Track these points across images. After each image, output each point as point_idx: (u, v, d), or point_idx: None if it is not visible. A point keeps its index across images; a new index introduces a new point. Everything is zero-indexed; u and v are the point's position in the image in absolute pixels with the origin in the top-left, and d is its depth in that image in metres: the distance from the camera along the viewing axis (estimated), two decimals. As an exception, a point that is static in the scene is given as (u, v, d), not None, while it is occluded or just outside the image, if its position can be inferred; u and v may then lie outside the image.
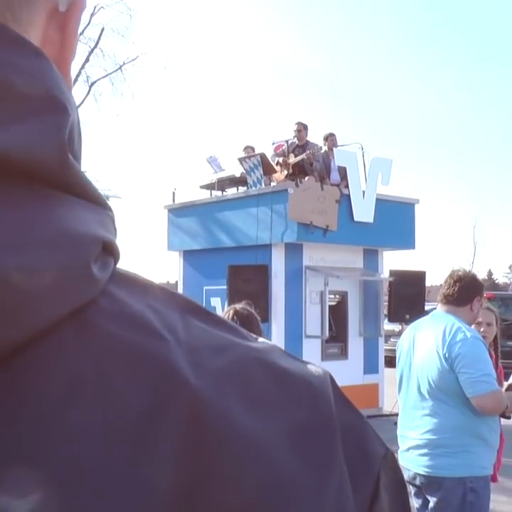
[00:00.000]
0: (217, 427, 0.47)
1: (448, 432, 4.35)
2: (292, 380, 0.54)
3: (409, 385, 4.61)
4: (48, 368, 0.45)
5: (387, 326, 16.56)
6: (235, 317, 4.48)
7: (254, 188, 13.74)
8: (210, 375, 0.50)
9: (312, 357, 13.16)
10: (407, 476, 4.63)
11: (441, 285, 4.85)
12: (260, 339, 0.58)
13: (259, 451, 0.48)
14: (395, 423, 4.95)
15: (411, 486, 4.62)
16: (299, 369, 0.56)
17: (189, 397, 0.47)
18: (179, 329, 0.52)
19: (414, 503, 4.66)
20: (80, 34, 18.36)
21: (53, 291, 0.45)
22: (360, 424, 0.57)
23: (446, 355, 4.31)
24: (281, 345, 12.77)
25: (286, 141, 14.32)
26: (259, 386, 0.52)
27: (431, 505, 4.44)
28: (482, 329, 5.05)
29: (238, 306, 4.61)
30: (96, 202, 0.54)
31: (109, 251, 0.53)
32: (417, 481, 4.51)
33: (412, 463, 4.52)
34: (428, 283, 17.26)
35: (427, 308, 13.34)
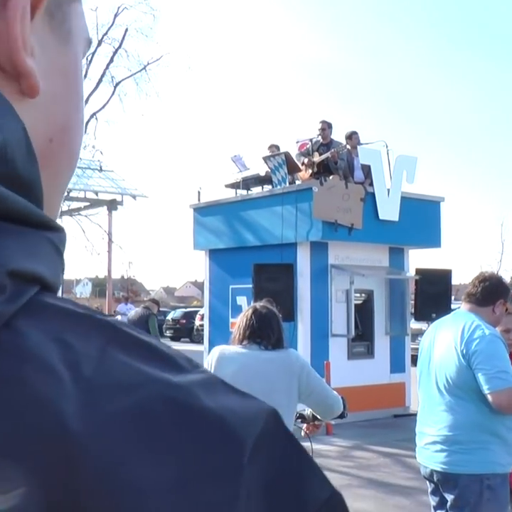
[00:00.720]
0: (95, 477, 0.44)
1: (464, 429, 4.34)
2: (204, 422, 0.49)
3: (428, 381, 4.61)
4: None
5: (415, 324, 16.49)
6: (253, 316, 4.50)
7: (278, 187, 13.74)
8: (101, 419, 0.46)
9: (338, 356, 13.16)
10: (423, 472, 4.62)
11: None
12: (202, 369, 0.54)
13: (143, 504, 0.44)
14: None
15: (428, 483, 4.60)
16: (222, 409, 0.51)
17: (63, 443, 0.44)
18: (86, 365, 0.48)
19: (431, 500, 4.63)
20: (104, 35, 18.55)
21: None
22: (297, 467, 0.52)
23: (464, 352, 4.30)
24: (307, 344, 12.82)
25: (311, 140, 14.31)
26: (161, 430, 0.47)
27: (448, 503, 4.42)
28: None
29: (258, 304, 4.63)
30: (30, 224, 0.51)
31: (27, 279, 0.49)
32: (434, 478, 4.49)
33: (428, 459, 4.51)
34: (456, 281, 17.19)
35: (453, 306, 13.28)
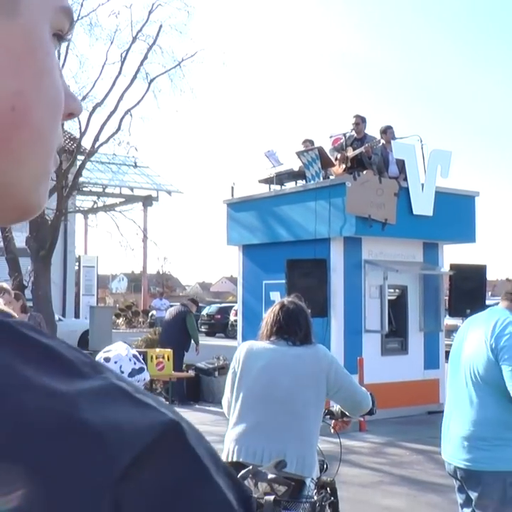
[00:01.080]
0: None
1: (489, 425, 4.27)
2: (77, 437, 0.47)
3: (456, 376, 4.55)
4: None
5: (450, 320, 16.35)
6: (280, 312, 4.48)
7: (312, 182, 13.70)
8: None
9: (372, 352, 13.10)
10: (448, 469, 4.55)
11: (506, 279, 4.81)
12: (104, 375, 0.51)
13: None
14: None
15: (454, 481, 4.54)
16: (103, 422, 0.48)
17: None
18: None
19: (458, 498, 4.57)
20: (139, 31, 18.58)
21: None
22: (190, 485, 0.50)
23: (493, 346, 4.24)
24: (341, 340, 12.77)
25: (344, 135, 14.24)
26: (29, 444, 0.45)
27: (473, 501, 4.36)
28: None
29: (286, 299, 4.61)
30: None
31: None
32: (458, 475, 4.43)
33: (452, 456, 4.44)
34: (491, 277, 17.02)
35: (488, 302, 13.14)
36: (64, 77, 0.65)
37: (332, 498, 4.55)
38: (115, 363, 2.92)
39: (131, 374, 2.88)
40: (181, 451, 0.50)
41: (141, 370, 2.92)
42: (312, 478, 4.25)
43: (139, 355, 3.00)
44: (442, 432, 4.63)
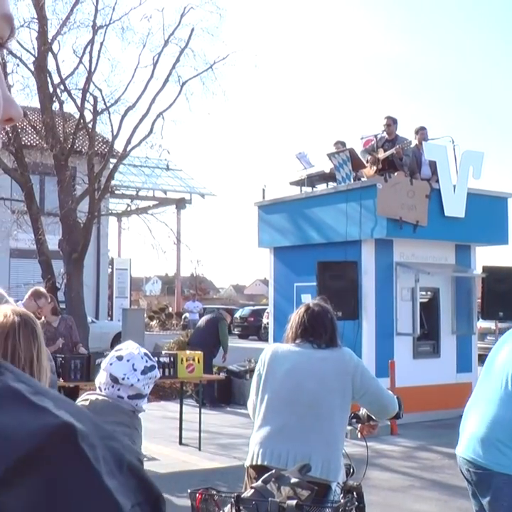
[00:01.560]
0: None
1: (507, 427, 4.18)
2: None
3: (486, 376, 4.47)
4: None
5: (483, 323, 16.20)
6: (305, 315, 4.44)
7: (342, 184, 13.64)
8: None
9: (403, 355, 13.01)
10: (459, 465, 4.46)
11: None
12: (1, 378, 0.50)
13: None
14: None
15: (467, 484, 4.45)
16: None
17: None
18: None
19: (473, 506, 4.47)
20: (171, 35, 18.63)
21: None
22: (74, 490, 0.48)
23: None
24: (372, 343, 12.70)
25: (375, 136, 14.16)
26: None
27: (484, 506, 4.26)
28: None
29: (312, 302, 4.58)
30: None
31: None
32: (470, 477, 4.34)
33: (465, 451, 4.35)
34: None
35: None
36: (4, 81, 0.63)
37: (359, 503, 4.51)
38: (127, 361, 2.94)
39: (144, 371, 2.92)
40: (69, 454, 0.49)
41: (152, 368, 2.97)
42: (338, 483, 4.21)
43: (149, 354, 3.03)
44: (460, 430, 4.55)
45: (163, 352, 12.43)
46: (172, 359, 10.42)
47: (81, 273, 17.91)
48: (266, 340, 29.64)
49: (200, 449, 10.61)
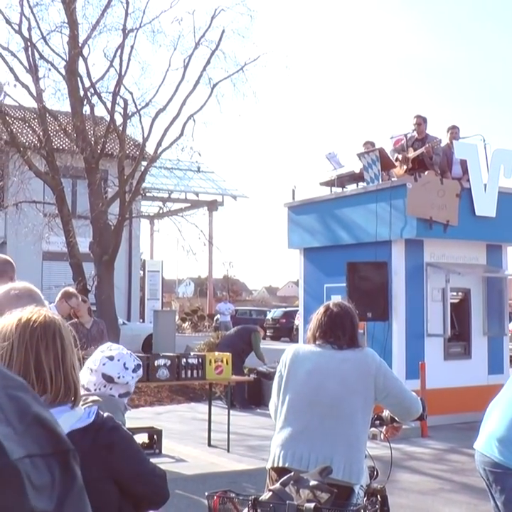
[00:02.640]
0: None
1: None
2: None
3: None
4: None
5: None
6: (323, 316, 4.41)
7: (371, 184, 13.55)
8: None
9: (434, 356, 12.90)
10: (477, 463, 4.38)
11: None
12: None
13: None
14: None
15: (486, 486, 4.36)
16: None
17: None
18: None
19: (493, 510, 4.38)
20: (201, 37, 18.64)
21: None
22: None
23: None
24: (402, 344, 12.62)
25: (405, 135, 14.05)
26: None
27: (499, 506, 4.19)
28: None
29: (332, 302, 4.55)
30: None
31: None
32: (485, 475, 4.25)
33: (482, 451, 4.27)
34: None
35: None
36: None
37: (383, 506, 4.45)
38: (118, 360, 3.01)
39: (134, 370, 3.01)
40: None
41: (139, 367, 3.10)
42: (361, 486, 4.16)
43: (132, 353, 3.14)
44: (481, 426, 4.48)
45: (192, 353, 12.45)
46: (200, 360, 10.40)
47: (112, 275, 17.99)
48: (297, 341, 29.64)
49: (228, 451, 10.58)
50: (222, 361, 10.53)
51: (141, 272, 33.51)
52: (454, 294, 13.53)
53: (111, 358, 3.04)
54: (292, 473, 3.57)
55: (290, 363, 4.40)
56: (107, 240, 17.70)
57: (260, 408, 14.61)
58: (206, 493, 3.52)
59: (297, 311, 37.45)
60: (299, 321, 32.91)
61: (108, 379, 2.99)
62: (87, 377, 3.07)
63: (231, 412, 11.16)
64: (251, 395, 14.85)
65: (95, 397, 2.98)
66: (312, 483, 3.51)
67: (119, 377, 2.98)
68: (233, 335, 15.56)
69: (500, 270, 14.12)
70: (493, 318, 13.78)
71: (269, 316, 40.88)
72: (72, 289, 9.63)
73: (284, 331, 38.45)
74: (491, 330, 13.76)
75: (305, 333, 14.49)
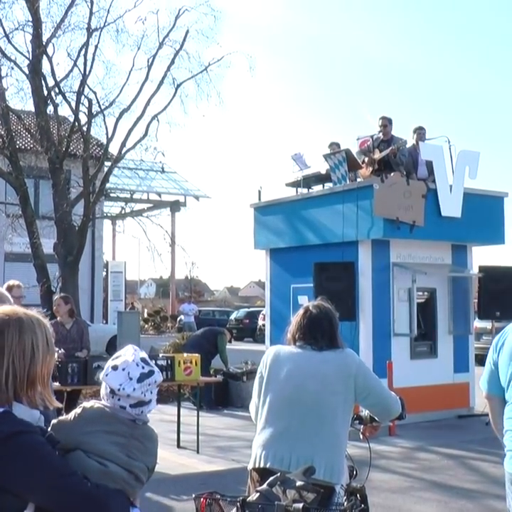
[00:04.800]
0: None
1: None
2: None
3: None
4: None
5: (479, 323, 16.17)
6: (303, 318, 4.42)
7: (338, 185, 13.61)
8: None
9: (401, 355, 12.99)
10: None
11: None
12: None
13: None
14: (487, 423, 4.72)
15: None
16: None
17: None
18: None
19: None
20: (165, 37, 18.59)
21: None
22: None
23: None
24: (369, 343, 12.70)
25: (372, 137, 14.13)
26: None
27: None
28: None
29: (311, 304, 4.53)
30: None
31: None
32: None
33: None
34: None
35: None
36: None
37: (362, 505, 4.47)
38: (123, 370, 2.90)
39: (140, 379, 2.87)
40: None
41: (150, 374, 2.91)
42: (342, 485, 4.17)
43: (148, 358, 2.98)
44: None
45: (160, 355, 12.40)
46: (169, 362, 10.36)
47: (76, 276, 17.88)
48: (261, 342, 29.63)
49: (198, 452, 10.56)
50: (191, 363, 10.50)
51: (104, 273, 33.32)
52: (420, 293, 13.65)
53: (115, 368, 2.94)
54: (279, 474, 3.57)
55: (271, 364, 4.40)
56: (72, 240, 17.59)
57: (227, 409, 14.61)
58: (193, 495, 3.50)
59: (260, 311, 37.58)
60: (262, 321, 33.07)
61: (111, 391, 2.91)
62: (101, 387, 3.00)
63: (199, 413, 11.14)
64: (218, 396, 14.83)
65: (83, 404, 2.94)
66: (298, 483, 3.51)
67: (119, 390, 2.88)
68: (200, 336, 15.54)
69: (465, 270, 14.26)
70: (459, 318, 13.92)
71: (233, 316, 40.88)
72: (12, 281, 9.35)
73: (248, 331, 38.47)
74: (457, 329, 13.90)
75: (272, 333, 14.52)
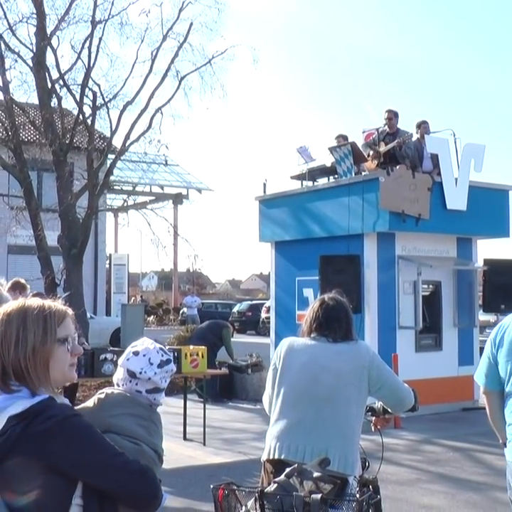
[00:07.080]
0: None
1: None
2: None
3: None
4: None
5: (482, 316, 16.18)
6: (319, 309, 4.43)
7: (344, 178, 13.60)
8: None
9: (406, 348, 13.03)
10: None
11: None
12: None
13: None
14: (492, 416, 4.73)
15: None
16: None
17: None
18: None
19: None
20: (169, 29, 18.53)
21: None
22: None
23: None
24: (374, 336, 12.71)
25: (377, 130, 14.13)
26: None
27: None
28: None
29: (327, 296, 4.54)
30: None
31: None
32: None
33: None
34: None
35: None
36: None
37: (377, 496, 4.49)
38: (144, 355, 3.02)
39: (160, 365, 3.01)
40: None
41: (168, 362, 3.06)
42: (355, 476, 4.19)
43: (165, 348, 3.10)
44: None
45: (167, 347, 12.41)
46: (176, 354, 10.36)
47: (80, 269, 17.88)
48: (264, 334, 29.70)
49: (204, 444, 10.59)
50: (197, 355, 10.52)
51: (107, 266, 33.34)
52: (425, 286, 13.67)
53: (136, 353, 3.04)
54: (296, 465, 3.58)
55: (285, 356, 4.41)
56: (76, 233, 17.59)
57: (232, 401, 14.65)
58: (211, 486, 3.52)
59: (263, 304, 37.60)
60: (265, 314, 33.07)
61: (131, 374, 2.99)
62: (118, 372, 3.09)
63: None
64: (223, 389, 14.86)
65: (104, 391, 3.00)
66: (315, 474, 3.53)
67: (141, 373, 2.98)
68: (205, 329, 15.56)
69: (470, 263, 14.28)
70: (464, 310, 13.94)
71: (235, 309, 40.91)
72: (17, 279, 9.31)
73: (250, 324, 38.49)
74: (462, 322, 13.92)
75: (277, 326, 14.53)
